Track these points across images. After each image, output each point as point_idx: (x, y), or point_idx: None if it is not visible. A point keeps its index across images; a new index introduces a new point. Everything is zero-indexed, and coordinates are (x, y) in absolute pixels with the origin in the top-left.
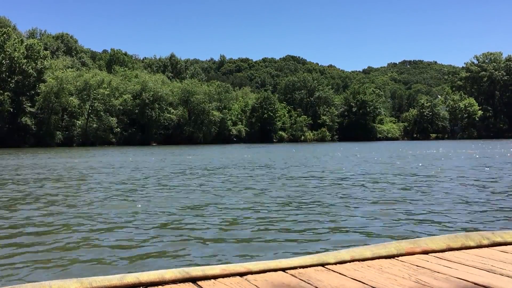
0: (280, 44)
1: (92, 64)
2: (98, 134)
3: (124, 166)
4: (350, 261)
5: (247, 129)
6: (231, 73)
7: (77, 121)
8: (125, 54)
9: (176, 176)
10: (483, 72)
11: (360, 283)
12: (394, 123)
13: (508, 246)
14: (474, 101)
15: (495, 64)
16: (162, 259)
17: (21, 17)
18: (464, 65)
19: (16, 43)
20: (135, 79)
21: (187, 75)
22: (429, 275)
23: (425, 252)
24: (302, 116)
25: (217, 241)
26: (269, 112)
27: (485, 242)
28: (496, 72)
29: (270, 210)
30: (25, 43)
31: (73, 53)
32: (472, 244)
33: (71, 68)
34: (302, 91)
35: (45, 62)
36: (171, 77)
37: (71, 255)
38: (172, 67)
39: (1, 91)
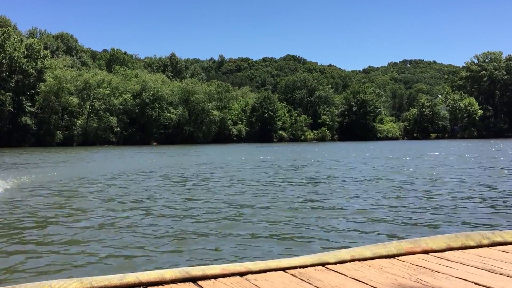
0: (280, 44)
1: (92, 64)
2: (98, 134)
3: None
4: (350, 261)
5: (247, 128)
6: (231, 73)
7: (77, 121)
8: (125, 53)
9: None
10: (483, 72)
11: (360, 283)
12: (394, 122)
13: (508, 246)
14: (474, 100)
15: (495, 63)
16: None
17: (21, 17)
18: (464, 65)
19: (16, 42)
20: (135, 78)
21: (187, 75)
22: (429, 274)
23: (425, 252)
24: (302, 116)
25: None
26: (269, 112)
27: (485, 241)
28: (496, 72)
29: None
30: (25, 43)
31: (73, 53)
32: (472, 244)
33: (71, 67)
34: (302, 90)
35: (45, 62)
36: (171, 77)
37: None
38: (172, 67)
39: (2, 91)
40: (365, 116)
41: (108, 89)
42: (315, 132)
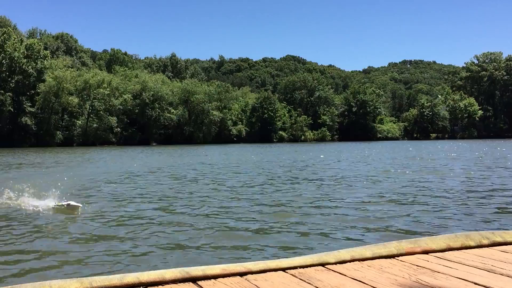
0: (280, 44)
1: (92, 64)
2: (98, 134)
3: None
4: (350, 261)
5: (247, 129)
6: (231, 73)
7: (77, 121)
8: (125, 54)
9: None
10: (483, 72)
11: (360, 283)
12: (394, 123)
13: (508, 246)
14: (474, 101)
15: (495, 64)
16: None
17: (21, 17)
18: (464, 65)
19: (16, 43)
20: (135, 79)
21: (187, 75)
22: (429, 275)
23: (425, 252)
24: (302, 116)
25: None
26: (269, 112)
27: (485, 242)
28: (496, 72)
29: None
30: (25, 43)
31: (73, 53)
32: (472, 244)
33: (71, 67)
34: (302, 91)
35: (45, 62)
36: (171, 77)
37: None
38: (172, 67)
39: (2, 91)
40: (365, 117)
41: (108, 89)
42: (315, 132)
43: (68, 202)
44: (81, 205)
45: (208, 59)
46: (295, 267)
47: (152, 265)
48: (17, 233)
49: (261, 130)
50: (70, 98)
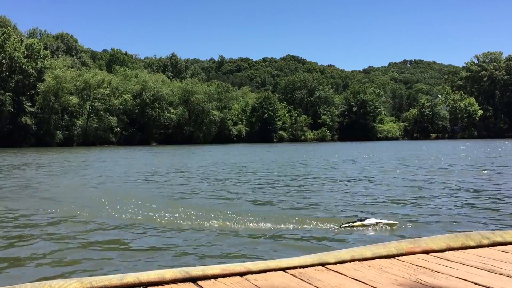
0: (280, 44)
1: (92, 64)
2: (98, 134)
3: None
4: (350, 261)
5: (247, 129)
6: (231, 73)
7: (77, 121)
8: (125, 54)
9: None
10: (484, 72)
11: (360, 283)
12: (394, 122)
13: (508, 246)
14: (474, 100)
15: (495, 63)
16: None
17: (21, 17)
18: (465, 65)
19: (16, 42)
20: (135, 78)
21: (187, 75)
22: (429, 274)
23: (425, 252)
24: (302, 116)
25: None
26: (269, 112)
27: (485, 242)
28: (496, 72)
29: None
30: (25, 43)
31: (73, 53)
32: (472, 244)
33: (71, 67)
34: (302, 90)
35: (45, 62)
36: (171, 77)
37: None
38: (172, 67)
39: (2, 91)
40: (365, 116)
41: (108, 89)
42: (315, 132)
43: (380, 221)
44: (398, 223)
45: (208, 59)
46: (295, 267)
47: None
48: None
49: (261, 130)
50: (70, 98)
